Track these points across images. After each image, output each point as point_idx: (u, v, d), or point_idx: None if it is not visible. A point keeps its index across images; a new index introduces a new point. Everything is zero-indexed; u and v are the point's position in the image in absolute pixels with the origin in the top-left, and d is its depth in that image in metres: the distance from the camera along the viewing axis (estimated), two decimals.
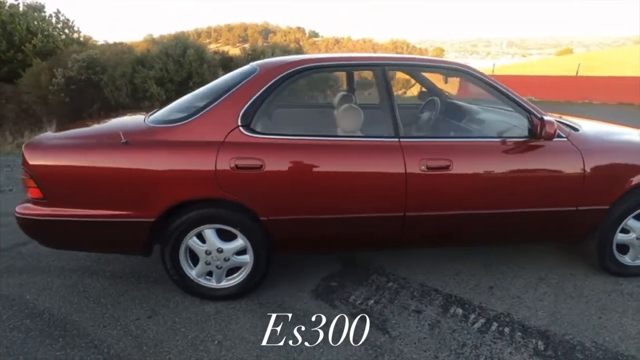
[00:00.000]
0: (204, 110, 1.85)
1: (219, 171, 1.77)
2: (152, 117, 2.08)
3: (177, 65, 6.39)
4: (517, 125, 2.07)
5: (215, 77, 7.17)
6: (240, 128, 1.82)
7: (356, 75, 3.13)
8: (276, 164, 1.79)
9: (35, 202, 1.85)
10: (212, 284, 2.01)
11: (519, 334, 1.79)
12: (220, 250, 1.92)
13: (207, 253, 1.92)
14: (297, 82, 1.96)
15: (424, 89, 2.75)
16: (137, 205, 1.81)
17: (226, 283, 2.01)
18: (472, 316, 1.92)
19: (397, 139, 1.87)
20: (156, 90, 6.14)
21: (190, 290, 2.02)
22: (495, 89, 1.98)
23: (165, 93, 6.22)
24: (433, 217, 1.91)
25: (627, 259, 2.16)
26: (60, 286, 2.21)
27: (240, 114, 1.82)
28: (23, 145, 1.90)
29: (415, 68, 2.26)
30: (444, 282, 2.21)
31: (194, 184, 1.79)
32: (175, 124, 1.87)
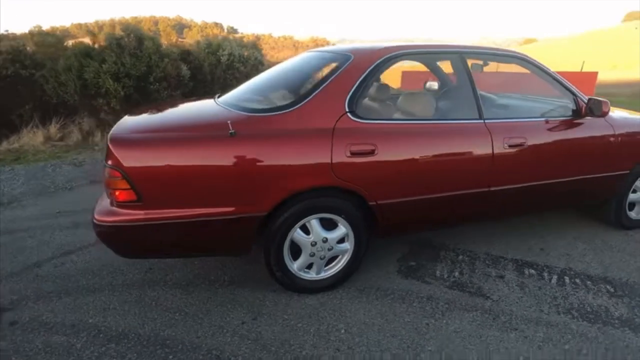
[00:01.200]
0: (310, 97, 1.79)
1: (334, 158, 1.75)
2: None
3: (133, 58, 5.75)
4: (553, 108, 2.39)
5: (179, 71, 6.70)
6: (348, 114, 1.81)
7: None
8: (386, 148, 1.82)
9: (124, 205, 1.61)
10: (312, 276, 1.97)
11: (589, 282, 2.11)
12: (325, 240, 1.89)
13: (313, 244, 1.88)
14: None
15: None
16: (246, 200, 1.69)
17: (325, 274, 1.98)
18: (545, 274, 2.19)
19: (482, 121, 2.04)
20: (113, 86, 5.45)
21: (292, 285, 1.94)
22: (549, 75, 2.28)
23: (122, 89, 5.56)
24: (510, 190, 2.13)
25: (632, 215, 2.66)
26: (124, 303, 1.94)
27: (347, 100, 1.81)
28: (109, 141, 1.63)
29: (485, 56, 2.43)
30: (502, 250, 2.46)
31: (309, 173, 1.73)
32: (279, 112, 1.78)
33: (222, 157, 1.65)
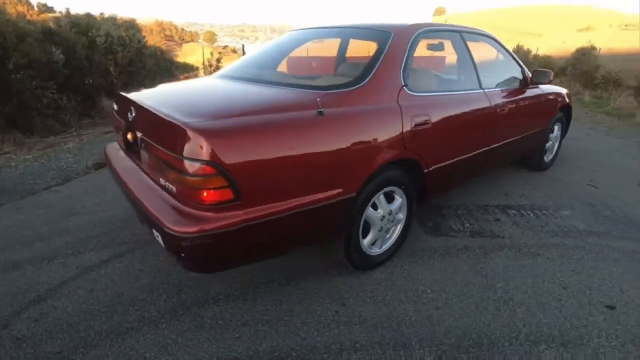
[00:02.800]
0: (373, 73, 1.77)
1: (405, 132, 1.80)
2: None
3: None
4: (511, 79, 2.92)
5: (51, 56, 5.13)
6: (405, 88, 1.87)
7: None
8: (435, 118, 1.97)
9: (217, 208, 1.32)
10: (377, 251, 2.00)
11: (551, 211, 2.76)
12: (390, 214, 1.94)
13: (382, 219, 1.91)
14: None
15: None
16: (340, 182, 1.60)
17: (385, 247, 2.05)
18: (523, 212, 2.76)
19: (482, 91, 2.39)
20: None
21: (366, 265, 1.95)
22: (509, 53, 2.79)
23: None
24: (497, 147, 2.57)
25: (546, 159, 3.54)
26: (184, 333, 1.61)
27: (402, 75, 1.87)
28: (200, 134, 1.26)
29: (475, 36, 2.69)
30: (482, 200, 2.95)
31: (389, 147, 1.74)
32: (348, 89, 1.70)
33: (316, 138, 1.51)
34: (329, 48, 2.55)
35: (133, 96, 1.81)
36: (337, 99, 1.66)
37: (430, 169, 2.03)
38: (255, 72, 2.22)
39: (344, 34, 2.25)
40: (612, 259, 2.17)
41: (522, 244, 2.33)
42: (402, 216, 2.06)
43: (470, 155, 2.30)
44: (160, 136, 1.44)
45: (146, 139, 1.57)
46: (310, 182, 1.52)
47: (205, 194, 1.31)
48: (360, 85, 1.74)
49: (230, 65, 2.52)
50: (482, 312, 1.75)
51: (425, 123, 1.92)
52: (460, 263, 2.12)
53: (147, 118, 1.56)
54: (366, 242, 1.92)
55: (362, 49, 2.00)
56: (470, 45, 2.53)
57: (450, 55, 2.72)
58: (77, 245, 2.28)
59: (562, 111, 3.40)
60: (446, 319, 1.70)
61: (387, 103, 1.78)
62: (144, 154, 1.62)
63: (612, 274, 2.04)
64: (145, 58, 7.18)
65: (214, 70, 13.07)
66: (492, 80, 2.57)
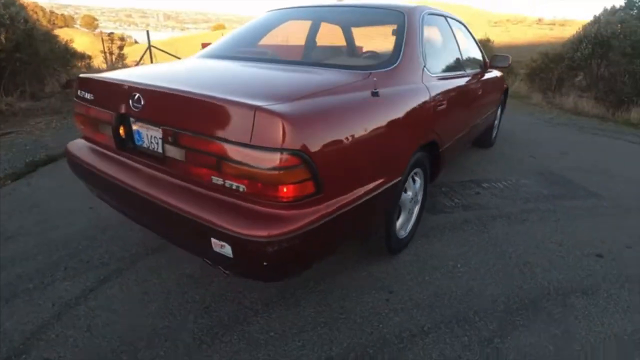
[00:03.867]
0: (401, 53, 1.72)
1: (432, 112, 1.80)
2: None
3: None
4: (476, 62, 3.17)
5: None
6: (425, 68, 1.86)
7: None
8: (448, 98, 2.02)
9: (296, 204, 1.13)
10: (403, 233, 2.00)
11: (514, 181, 3.11)
12: (415, 195, 1.96)
13: (410, 200, 1.91)
14: None
15: None
16: (393, 166, 1.55)
17: (408, 229, 2.06)
18: (493, 184, 3.05)
19: (464, 72, 2.54)
20: None
21: (398, 248, 1.92)
22: (474, 38, 2.99)
23: None
24: (472, 127, 2.77)
25: (492, 135, 3.97)
26: (235, 355, 1.38)
27: (421, 56, 1.85)
28: (283, 118, 1.03)
29: (453, 21, 2.74)
30: (457, 176, 3.17)
31: (423, 128, 1.73)
32: (386, 69, 1.62)
33: (376, 120, 1.41)
34: (328, 29, 2.41)
35: (138, 78, 1.45)
36: (380, 79, 1.57)
37: (444, 148, 2.09)
38: (268, 52, 2.00)
39: (350, 14, 2.15)
40: (580, 216, 2.55)
41: (508, 212, 2.58)
42: (419, 197, 2.09)
43: (463, 133, 2.45)
44: (212, 125, 1.17)
45: (179, 131, 1.26)
46: (373, 167, 1.43)
47: (285, 190, 1.11)
48: (395, 65, 1.68)
49: (217, 46, 2.20)
50: (510, 277, 1.88)
51: (442, 103, 1.96)
52: (468, 235, 2.25)
53: (181, 104, 1.25)
54: (397, 225, 1.90)
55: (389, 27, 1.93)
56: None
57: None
58: (37, 276, 1.78)
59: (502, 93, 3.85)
60: (485, 289, 1.79)
61: (417, 83, 1.76)
62: (172, 150, 1.31)
63: (587, 228, 2.40)
64: (37, 42, 5.87)
65: (117, 59, 11.44)
66: (468, 63, 2.75)
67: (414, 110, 1.67)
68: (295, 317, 1.57)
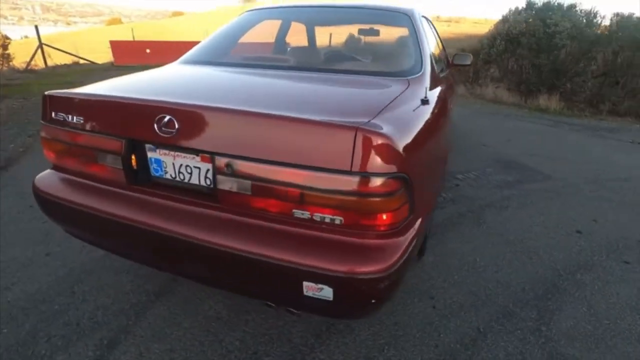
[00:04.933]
0: (422, 58, 1.68)
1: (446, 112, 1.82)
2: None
3: None
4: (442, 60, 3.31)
5: None
6: (435, 72, 1.87)
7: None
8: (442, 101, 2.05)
9: (391, 232, 1.03)
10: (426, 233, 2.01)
11: (488, 169, 3.37)
12: None
13: None
14: None
15: None
16: (442, 171, 1.52)
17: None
18: (466, 175, 3.26)
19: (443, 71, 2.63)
20: None
21: (423, 249, 1.92)
22: (439, 37, 3.11)
23: None
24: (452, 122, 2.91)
25: None
26: None
27: (433, 59, 1.85)
28: (386, 139, 0.89)
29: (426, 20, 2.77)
30: None
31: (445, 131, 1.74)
32: (416, 75, 1.57)
33: (433, 129, 1.36)
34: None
35: (159, 95, 1.17)
36: (414, 85, 1.52)
37: None
38: (284, 58, 1.80)
39: (354, 15, 2.03)
40: (547, 198, 2.87)
41: (491, 201, 2.78)
42: None
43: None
44: (294, 150, 0.98)
45: (240, 160, 1.04)
46: (436, 180, 1.39)
47: (384, 217, 1.00)
48: (422, 70, 1.64)
49: (213, 51, 1.90)
50: (523, 264, 2.02)
51: (446, 105, 1.99)
52: (469, 229, 2.36)
53: (244, 128, 1.03)
54: None
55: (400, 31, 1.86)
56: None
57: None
58: (17, 349, 1.37)
59: None
60: (510, 279, 1.89)
61: (436, 88, 1.76)
62: (228, 182, 1.08)
63: (557, 208, 2.70)
64: None
65: (1, 61, 9.47)
66: (442, 63, 2.86)
67: (445, 115, 1.67)
68: (355, 344, 1.46)
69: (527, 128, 5.30)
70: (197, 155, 1.14)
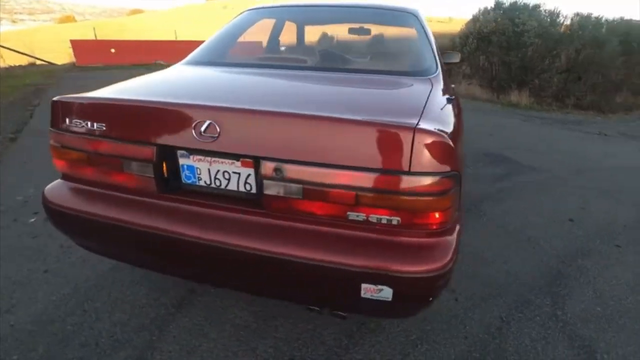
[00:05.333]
0: (435, 57, 1.71)
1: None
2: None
3: None
4: None
5: None
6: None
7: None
8: None
9: (440, 230, 1.05)
10: None
11: (479, 164, 3.49)
12: None
13: None
14: None
15: None
16: None
17: None
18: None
19: None
20: None
21: None
22: None
23: None
24: None
25: None
26: None
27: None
28: (443, 138, 0.90)
29: None
30: None
31: None
32: (434, 74, 1.59)
33: (462, 125, 1.39)
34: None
35: (195, 99, 1.12)
36: (437, 83, 1.55)
37: None
38: (303, 58, 1.77)
39: (361, 15, 2.02)
40: (536, 189, 3.02)
41: (488, 193, 2.88)
42: None
43: None
44: (350, 152, 0.97)
45: (291, 164, 1.01)
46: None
47: (437, 215, 1.01)
48: (438, 69, 1.67)
49: (215, 52, 1.83)
50: (529, 253, 2.12)
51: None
52: (472, 222, 2.44)
53: (296, 131, 1.01)
54: None
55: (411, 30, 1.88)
56: None
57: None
58: None
59: None
60: (518, 269, 1.97)
61: (448, 84, 1.80)
62: (277, 187, 1.05)
63: (547, 198, 2.85)
64: None
65: None
66: None
67: (462, 112, 1.71)
68: (388, 342, 1.47)
69: (503, 123, 5.55)
70: (238, 161, 1.10)
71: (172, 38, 16.18)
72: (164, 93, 1.28)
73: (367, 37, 2.19)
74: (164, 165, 1.16)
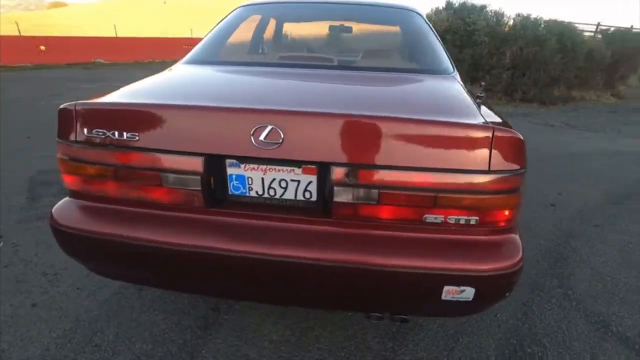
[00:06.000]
0: (448, 55, 1.74)
1: None
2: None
3: None
4: None
5: None
6: None
7: None
8: None
9: (507, 227, 1.07)
10: None
11: None
12: None
13: None
14: None
15: None
16: None
17: None
18: None
19: None
20: None
21: None
22: None
23: None
24: None
25: None
26: None
27: None
28: (516, 136, 0.89)
29: None
30: None
31: None
32: (453, 72, 1.62)
33: None
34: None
35: (249, 102, 1.02)
36: (460, 81, 1.58)
37: None
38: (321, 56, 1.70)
39: (365, 12, 1.98)
40: None
41: None
42: None
43: None
44: (429, 154, 0.94)
45: (366, 168, 0.96)
46: None
47: (506, 213, 1.03)
48: (454, 68, 1.70)
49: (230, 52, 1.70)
50: (529, 239, 2.24)
51: None
52: None
53: (369, 134, 0.96)
54: None
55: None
56: None
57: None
58: None
59: None
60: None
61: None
62: (349, 193, 0.99)
63: (529, 185, 3.05)
64: None
65: None
66: None
67: None
68: (430, 339, 1.48)
69: None
70: (299, 168, 1.03)
71: (109, 34, 14.91)
72: (210, 97, 1.16)
73: (381, 34, 2.18)
74: (211, 176, 1.05)
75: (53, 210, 1.16)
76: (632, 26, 10.15)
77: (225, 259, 1.03)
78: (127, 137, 1.03)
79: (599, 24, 9.88)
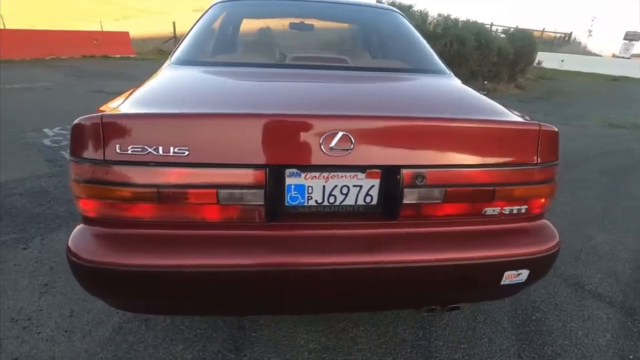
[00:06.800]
0: (441, 59, 1.83)
1: None
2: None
3: None
4: None
5: None
6: None
7: None
8: None
9: (542, 214, 1.19)
10: None
11: None
12: None
13: None
14: None
15: None
16: None
17: None
18: None
19: None
20: None
21: None
22: None
23: None
24: None
25: None
26: None
27: None
28: (556, 133, 0.97)
29: None
30: None
31: None
32: (450, 72, 1.71)
33: None
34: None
35: (307, 108, 0.97)
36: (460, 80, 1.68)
37: None
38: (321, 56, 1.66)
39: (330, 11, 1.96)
40: None
41: None
42: None
43: None
44: (486, 152, 1.00)
45: (431, 169, 0.99)
46: None
47: (542, 200, 1.15)
48: (449, 68, 1.80)
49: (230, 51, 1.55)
50: None
51: None
52: None
53: (433, 135, 0.99)
54: None
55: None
56: None
57: None
58: None
59: None
60: None
61: None
62: (417, 194, 1.00)
63: None
64: None
65: None
66: None
67: None
68: (457, 325, 1.57)
69: None
70: (363, 172, 1.02)
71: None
72: (265, 104, 1.06)
73: (380, 33, 2.19)
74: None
75: (69, 243, 0.97)
76: (517, 26, 11.81)
77: (291, 274, 0.98)
78: (174, 152, 0.91)
79: (492, 24, 11.28)
